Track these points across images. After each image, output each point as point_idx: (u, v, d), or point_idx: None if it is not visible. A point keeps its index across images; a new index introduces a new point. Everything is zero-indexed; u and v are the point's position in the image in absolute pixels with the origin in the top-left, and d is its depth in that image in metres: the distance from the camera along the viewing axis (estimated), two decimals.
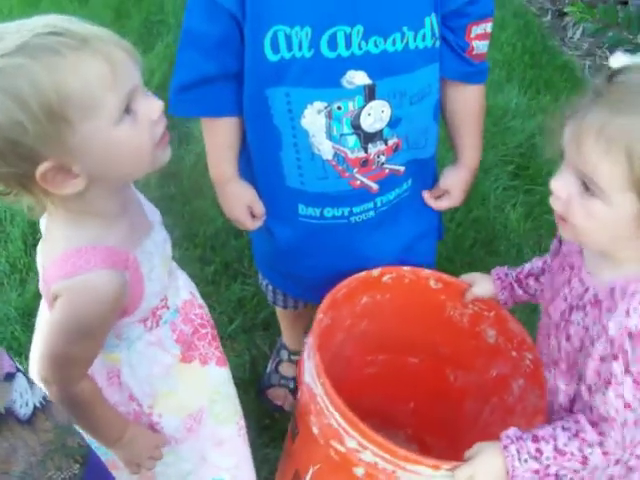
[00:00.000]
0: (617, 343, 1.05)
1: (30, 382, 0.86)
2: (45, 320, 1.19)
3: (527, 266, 1.42)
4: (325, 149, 1.35)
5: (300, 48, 1.26)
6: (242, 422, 1.43)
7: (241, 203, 1.49)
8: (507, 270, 1.45)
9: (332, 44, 1.26)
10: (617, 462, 1.18)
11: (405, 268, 1.49)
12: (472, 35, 1.36)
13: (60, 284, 1.05)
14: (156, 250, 1.17)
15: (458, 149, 1.52)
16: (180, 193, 2.40)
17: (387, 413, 1.70)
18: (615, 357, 1.05)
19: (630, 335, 1.03)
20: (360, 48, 1.27)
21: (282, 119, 1.34)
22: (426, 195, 1.54)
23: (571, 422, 1.15)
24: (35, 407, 0.84)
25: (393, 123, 1.35)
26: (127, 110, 0.99)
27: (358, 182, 1.41)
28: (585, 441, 1.11)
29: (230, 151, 1.45)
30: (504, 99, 2.86)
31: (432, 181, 1.56)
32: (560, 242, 1.29)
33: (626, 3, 3.34)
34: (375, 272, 1.48)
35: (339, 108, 1.31)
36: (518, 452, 1.13)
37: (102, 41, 0.97)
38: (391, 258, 1.52)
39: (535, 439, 1.14)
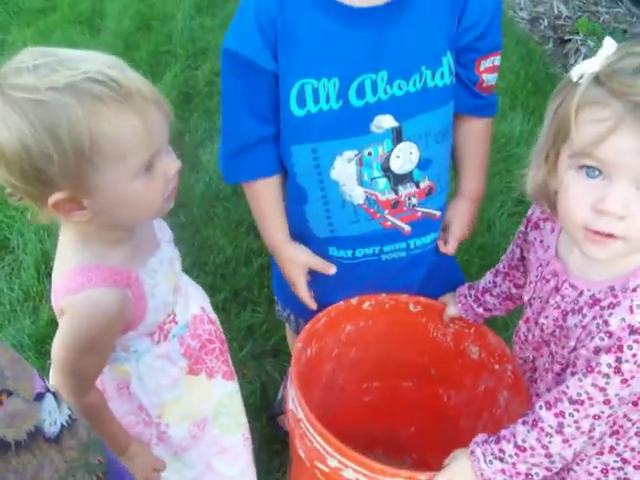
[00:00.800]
0: (615, 337, 1.05)
1: (58, 401, 0.90)
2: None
3: (481, 282, 1.45)
4: (356, 195, 1.36)
5: (327, 101, 1.28)
6: (247, 434, 1.47)
7: (296, 266, 1.49)
8: (468, 290, 1.46)
9: (360, 93, 1.28)
10: (611, 450, 1.20)
11: (383, 295, 1.51)
12: (481, 68, 1.38)
13: (65, 300, 1.12)
14: (160, 268, 1.21)
15: (460, 180, 1.53)
16: (190, 222, 2.43)
17: (390, 440, 1.72)
18: (608, 350, 1.05)
19: (632, 331, 1.04)
20: (386, 93, 1.29)
21: (307, 176, 1.36)
22: (440, 244, 1.53)
23: (529, 414, 1.16)
24: (62, 426, 0.87)
25: (423, 165, 1.37)
26: (147, 165, 1.05)
27: (389, 223, 1.42)
28: (543, 430, 1.12)
29: (278, 212, 1.45)
30: (508, 126, 2.90)
31: None
32: (522, 250, 1.30)
33: (625, 32, 3.41)
34: (354, 301, 1.50)
35: (370, 154, 1.33)
36: (483, 455, 1.16)
37: (144, 99, 1.02)
38: (419, 288, 1.53)
39: (498, 440, 1.17)
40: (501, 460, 1.15)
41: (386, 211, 1.40)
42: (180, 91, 3.09)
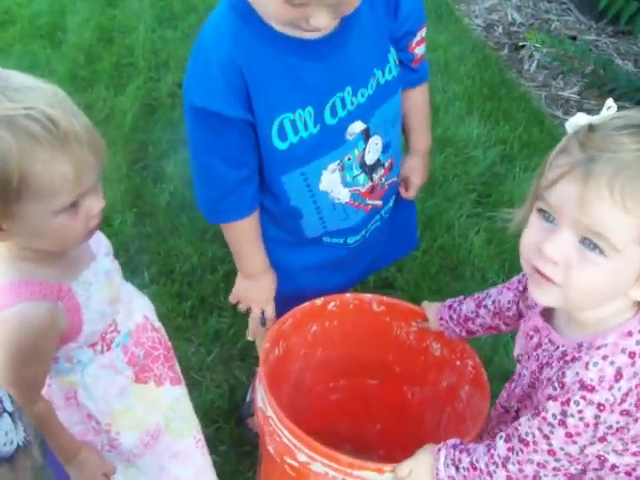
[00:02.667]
0: (566, 388, 1.06)
1: (14, 421, 0.90)
2: None
3: (463, 309, 1.45)
4: (343, 195, 1.46)
5: (306, 128, 1.35)
6: (200, 436, 1.49)
7: (273, 290, 1.58)
8: (448, 312, 1.47)
9: (333, 112, 1.36)
10: None
11: (347, 295, 1.57)
12: (413, 44, 1.48)
13: None
14: (95, 280, 1.23)
15: (409, 139, 1.64)
16: (155, 231, 2.44)
17: (358, 437, 1.75)
18: (555, 399, 1.06)
19: (582, 386, 1.03)
20: (352, 104, 1.38)
21: (300, 197, 1.43)
22: (402, 190, 1.66)
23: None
24: (18, 446, 0.87)
25: (385, 149, 1.48)
26: (72, 204, 1.08)
27: (369, 206, 1.53)
28: (492, 457, 1.15)
29: (258, 244, 1.52)
30: (465, 130, 2.97)
31: None
32: (518, 305, 1.33)
33: (575, 38, 3.52)
34: (318, 302, 1.54)
35: (349, 159, 1.42)
36: (445, 457, 1.19)
37: (80, 143, 1.04)
38: (386, 243, 1.67)
39: (462, 450, 1.20)
40: (456, 469, 1.18)
41: (367, 199, 1.51)
42: (143, 103, 3.10)
